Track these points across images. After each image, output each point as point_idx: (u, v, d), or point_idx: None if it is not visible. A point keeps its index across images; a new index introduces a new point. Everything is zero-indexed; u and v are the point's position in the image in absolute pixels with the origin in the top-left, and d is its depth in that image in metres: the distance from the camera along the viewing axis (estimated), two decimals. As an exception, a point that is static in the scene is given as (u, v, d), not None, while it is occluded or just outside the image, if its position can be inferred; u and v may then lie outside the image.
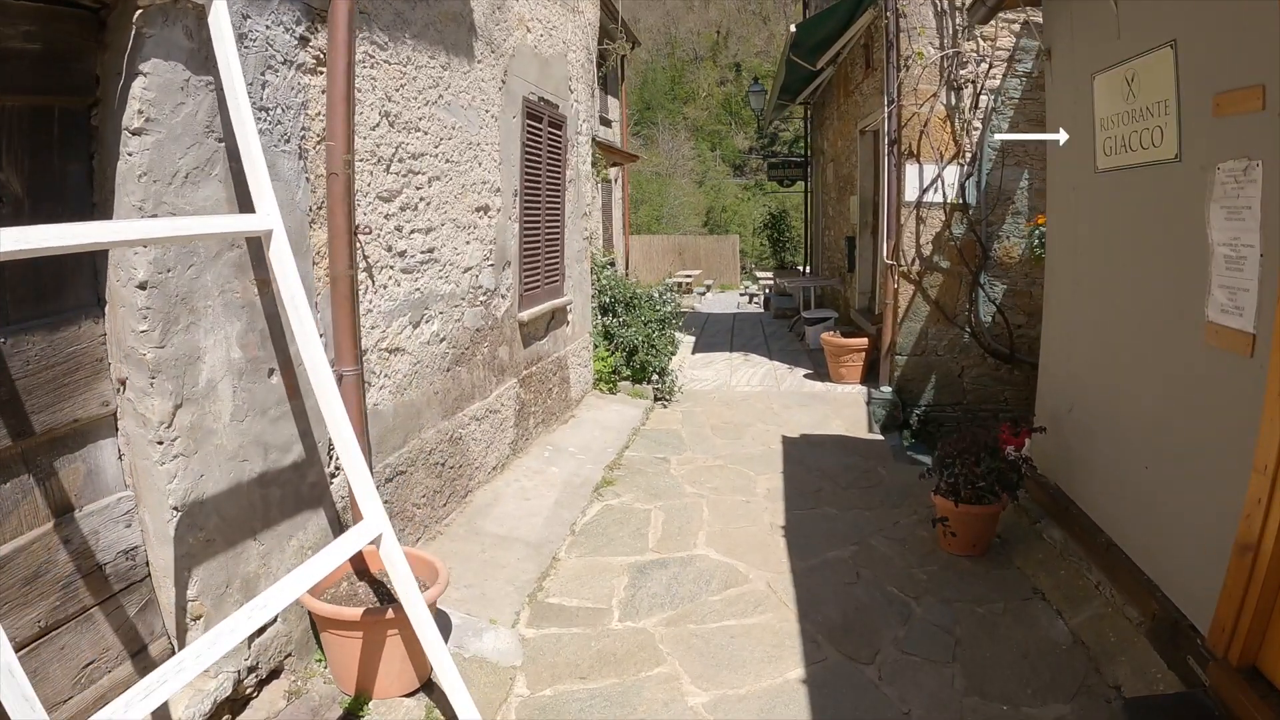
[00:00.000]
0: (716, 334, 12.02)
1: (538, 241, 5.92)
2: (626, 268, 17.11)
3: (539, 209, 5.91)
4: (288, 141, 3.31)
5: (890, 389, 8.02)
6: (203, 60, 2.77)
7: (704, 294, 22.20)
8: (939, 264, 7.82)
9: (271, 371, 3.17)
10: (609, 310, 7.70)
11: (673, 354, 7.79)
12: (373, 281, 3.97)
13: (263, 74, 3.14)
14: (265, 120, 3.15)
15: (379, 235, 4.00)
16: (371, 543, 2.81)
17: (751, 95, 15.31)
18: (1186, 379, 3.37)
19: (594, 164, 8.00)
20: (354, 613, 2.90)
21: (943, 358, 7.99)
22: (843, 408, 7.64)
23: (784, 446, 6.44)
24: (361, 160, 3.83)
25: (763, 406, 7.63)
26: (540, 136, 5.88)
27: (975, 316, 7.85)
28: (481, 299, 5.13)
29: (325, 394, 2.81)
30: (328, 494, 3.73)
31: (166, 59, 2.64)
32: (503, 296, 5.43)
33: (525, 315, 5.68)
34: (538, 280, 5.97)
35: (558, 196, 6.30)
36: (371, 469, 3.98)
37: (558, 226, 6.33)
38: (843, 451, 6.39)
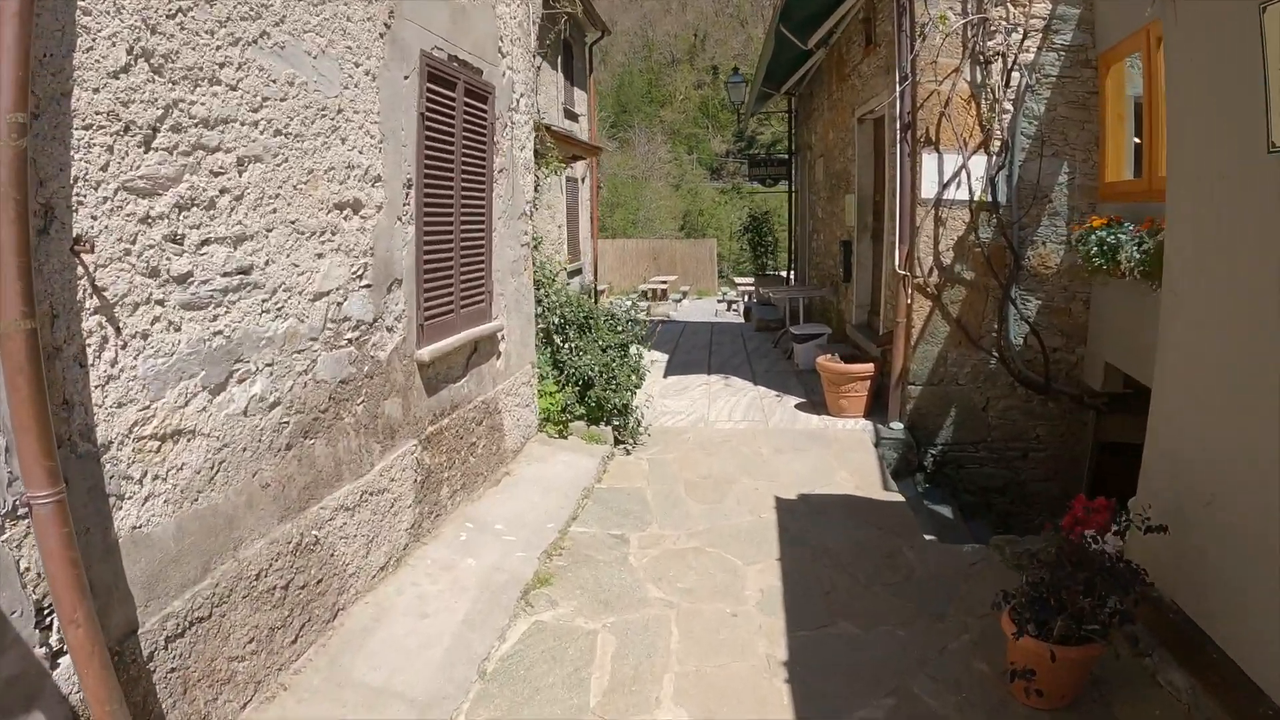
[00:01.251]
0: (693, 350, 10.40)
1: (448, 250, 4.27)
2: (595, 275, 15.44)
3: (450, 207, 4.26)
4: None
5: (901, 425, 6.46)
6: None
7: (680, 301, 20.60)
8: (961, 275, 6.25)
9: None
10: (559, 332, 6.06)
11: (637, 387, 6.17)
12: (117, 331, 2.32)
13: None
14: None
15: (131, 252, 2.36)
16: None
17: (730, 87, 13.72)
18: None
19: (542, 154, 6.36)
20: None
21: (964, 388, 6.43)
22: (847, 451, 6.05)
23: (779, 515, 4.83)
24: (87, 127, 2.19)
25: (749, 451, 6.02)
26: (452, 110, 4.23)
27: (1004, 338, 6.30)
28: (349, 336, 3.48)
29: None
30: (48, 683, 2.18)
31: None
32: (389, 330, 3.78)
33: (427, 352, 4.03)
34: (449, 302, 4.32)
35: (480, 191, 4.65)
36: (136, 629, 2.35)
37: (481, 230, 4.68)
38: (855, 521, 4.80)
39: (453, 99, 4.23)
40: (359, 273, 3.50)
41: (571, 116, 13.38)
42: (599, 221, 35.95)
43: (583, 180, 14.52)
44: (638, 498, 5.13)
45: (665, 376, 8.61)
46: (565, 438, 5.84)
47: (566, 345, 5.92)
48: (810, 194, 11.60)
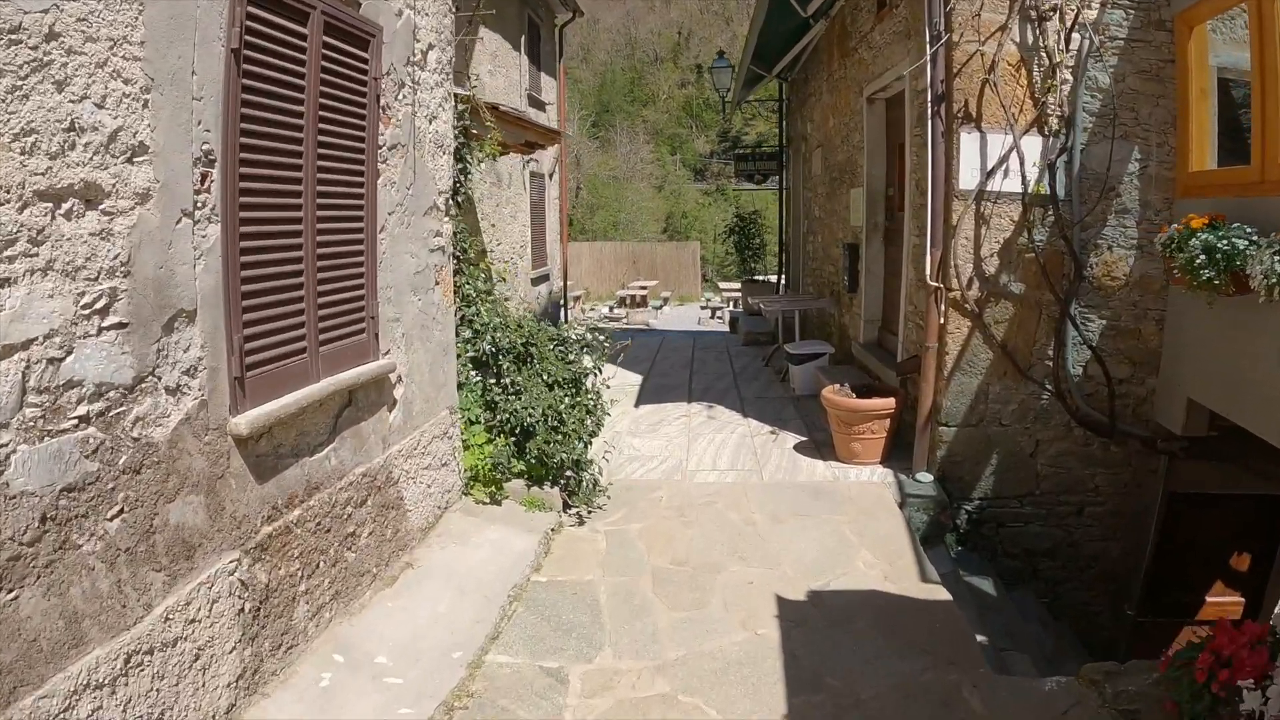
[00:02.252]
0: (671, 370, 9.05)
1: (293, 261, 2.89)
2: (565, 281, 14.03)
3: (296, 196, 2.89)
4: None
5: (931, 477, 5.15)
6: None
7: (660, 308, 19.27)
8: (1008, 287, 4.94)
9: None
10: (489, 364, 4.67)
11: (593, 434, 4.79)
12: None
13: None
14: None
15: None
16: None
17: (714, 72, 12.38)
18: None
19: (474, 133, 5.00)
20: None
21: (1009, 429, 5.13)
22: (865, 517, 4.72)
23: (783, 630, 3.48)
24: None
25: (739, 518, 4.67)
26: (300, 52, 2.85)
27: (1061, 367, 5.00)
28: (81, 412, 2.09)
29: None
30: None
31: None
32: (172, 392, 2.39)
33: (248, 421, 2.64)
34: (296, 339, 2.94)
35: (355, 175, 3.28)
36: None
37: (357, 231, 3.31)
38: (890, 639, 3.45)
39: (302, 36, 2.85)
40: (97, 305, 2.12)
41: (538, 105, 12.01)
42: (575, 223, 34.62)
43: (550, 176, 13.13)
44: (587, 599, 3.75)
45: (637, 405, 7.25)
46: (498, 503, 4.47)
47: (499, 383, 4.54)
48: (805, 190, 10.28)
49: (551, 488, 4.56)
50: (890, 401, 5.28)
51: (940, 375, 5.02)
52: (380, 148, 3.42)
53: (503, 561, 3.89)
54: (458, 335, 4.71)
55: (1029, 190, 4.75)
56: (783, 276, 12.38)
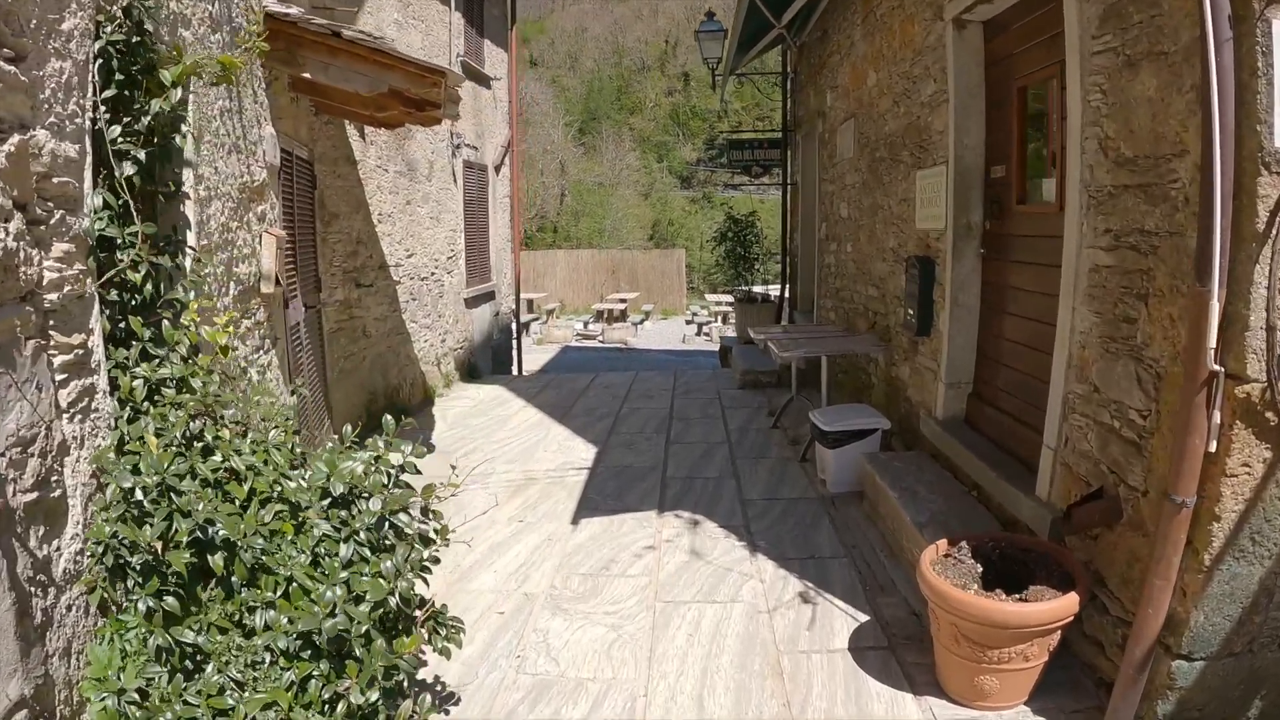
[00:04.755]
0: (639, 436, 6.17)
1: None
2: (518, 301, 11.05)
3: None
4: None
5: (1157, 765, 2.30)
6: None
7: (641, 323, 16.41)
8: (1365, 373, 2.09)
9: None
10: (116, 586, 1.72)
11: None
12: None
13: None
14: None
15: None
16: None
17: (702, 39, 9.56)
18: None
19: (145, 39, 2.13)
20: None
21: (1310, 659, 2.29)
22: None
23: None
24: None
25: None
26: None
27: None
28: None
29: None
30: None
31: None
32: None
33: None
34: None
35: None
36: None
37: None
38: None
39: None
40: None
41: (480, 78, 9.12)
42: (559, 230, 31.89)
43: (498, 169, 10.23)
44: None
45: (576, 521, 4.38)
46: None
47: (117, 655, 1.64)
48: (824, 183, 7.42)
49: None
50: (1070, 605, 2.42)
51: (1197, 561, 2.19)
52: None
53: None
54: (100, 490, 1.85)
55: None
56: (786, 291, 9.54)
